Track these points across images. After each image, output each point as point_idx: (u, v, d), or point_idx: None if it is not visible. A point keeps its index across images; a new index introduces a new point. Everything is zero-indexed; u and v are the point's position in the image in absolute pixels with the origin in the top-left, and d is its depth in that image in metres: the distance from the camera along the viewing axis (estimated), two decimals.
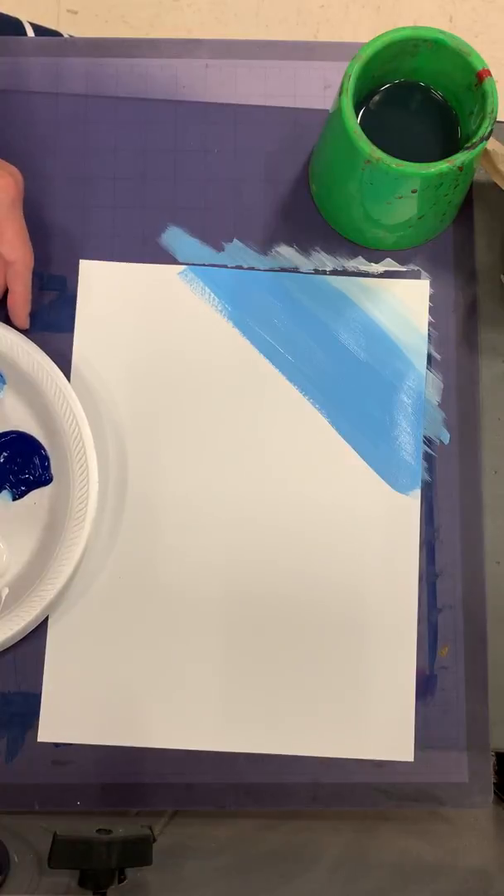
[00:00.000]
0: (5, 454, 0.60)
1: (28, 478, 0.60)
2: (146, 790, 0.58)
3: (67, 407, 0.58)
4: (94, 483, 0.58)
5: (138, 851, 0.54)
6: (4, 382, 0.60)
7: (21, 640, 0.58)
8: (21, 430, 0.60)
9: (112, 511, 0.60)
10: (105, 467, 0.60)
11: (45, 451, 0.60)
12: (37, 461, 0.60)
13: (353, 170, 0.55)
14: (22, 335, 0.59)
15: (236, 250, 0.63)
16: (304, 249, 0.63)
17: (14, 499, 0.60)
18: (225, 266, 0.63)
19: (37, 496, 0.60)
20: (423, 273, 0.63)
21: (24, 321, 0.60)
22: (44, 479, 0.60)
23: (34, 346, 0.59)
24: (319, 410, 0.61)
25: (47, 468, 0.60)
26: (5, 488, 0.60)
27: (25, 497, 0.60)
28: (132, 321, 0.62)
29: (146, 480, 0.60)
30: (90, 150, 0.63)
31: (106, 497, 0.60)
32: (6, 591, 0.58)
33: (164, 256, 0.63)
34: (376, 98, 0.58)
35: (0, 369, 0.60)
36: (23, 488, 0.60)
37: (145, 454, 0.60)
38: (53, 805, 0.58)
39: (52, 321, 0.60)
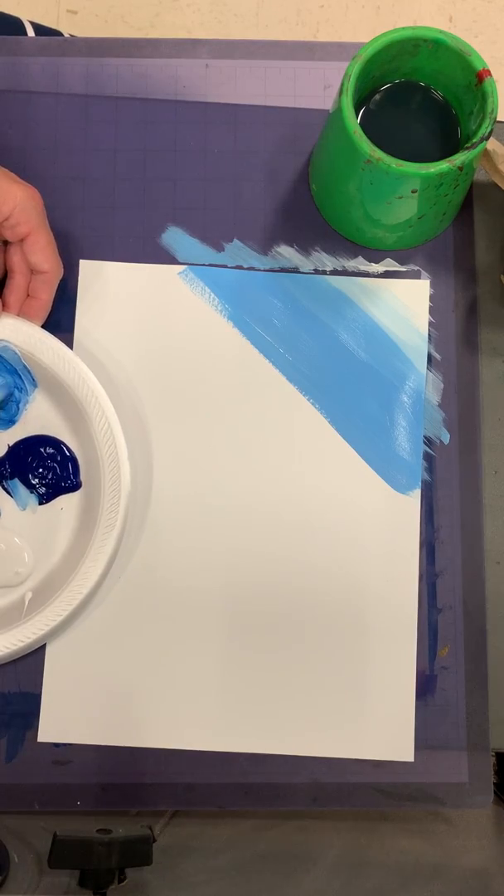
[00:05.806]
0: (33, 457, 0.59)
1: (56, 482, 0.59)
2: (146, 790, 0.58)
3: (102, 414, 0.57)
4: (126, 492, 0.57)
5: (138, 851, 0.54)
6: (35, 385, 0.60)
7: None
8: (50, 434, 0.60)
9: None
10: None
11: (74, 456, 0.59)
12: (65, 466, 0.59)
13: (353, 170, 0.55)
14: (57, 339, 0.58)
15: (236, 250, 0.63)
16: (304, 249, 0.63)
17: (41, 503, 0.59)
18: (225, 266, 0.63)
19: (64, 501, 0.59)
20: (423, 273, 0.63)
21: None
22: (72, 484, 0.59)
23: (69, 350, 0.58)
24: (319, 410, 0.61)
25: (76, 474, 0.59)
26: (33, 492, 0.59)
27: (53, 502, 0.59)
28: (132, 321, 0.62)
29: (144, 480, 0.60)
30: (90, 150, 0.63)
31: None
32: (29, 595, 0.58)
33: (164, 256, 0.63)
34: (376, 98, 0.58)
35: (32, 372, 0.59)
36: (50, 492, 0.59)
37: (144, 454, 0.60)
38: (53, 805, 0.58)
39: (52, 321, 0.60)
